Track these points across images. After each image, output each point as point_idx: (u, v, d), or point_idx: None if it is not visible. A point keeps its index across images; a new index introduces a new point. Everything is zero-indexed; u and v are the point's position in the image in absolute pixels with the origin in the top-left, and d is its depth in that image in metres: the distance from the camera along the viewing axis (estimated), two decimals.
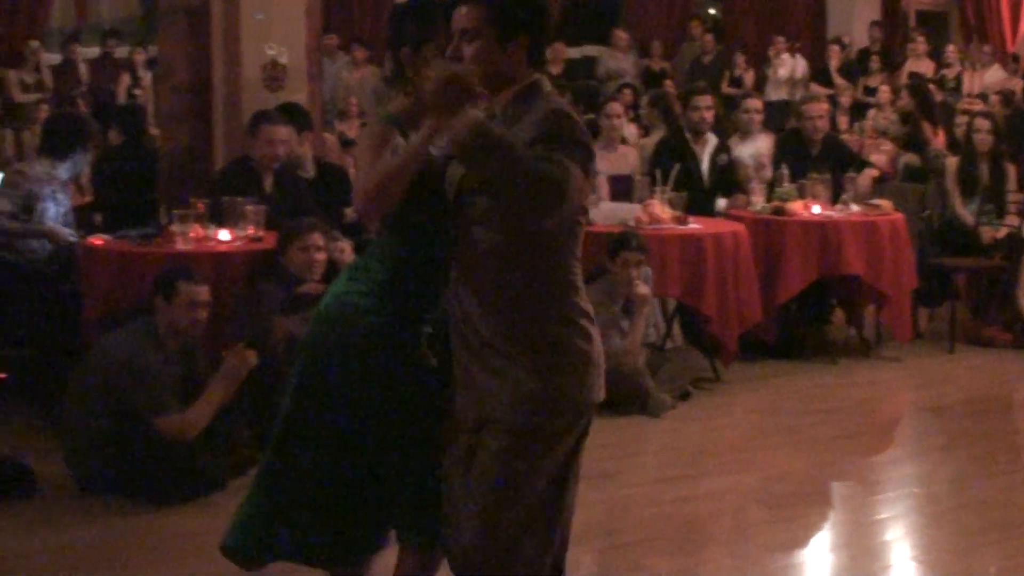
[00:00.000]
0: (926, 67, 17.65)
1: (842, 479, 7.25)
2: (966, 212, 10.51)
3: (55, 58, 16.70)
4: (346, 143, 11.70)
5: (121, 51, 16.58)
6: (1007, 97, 14.98)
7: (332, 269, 7.62)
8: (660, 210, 8.62)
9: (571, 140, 3.77)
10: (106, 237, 7.99)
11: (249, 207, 7.85)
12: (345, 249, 7.85)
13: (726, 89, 17.03)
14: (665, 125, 10.50)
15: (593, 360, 3.98)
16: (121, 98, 15.84)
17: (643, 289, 8.09)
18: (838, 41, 18.86)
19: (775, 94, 17.20)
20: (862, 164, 10.54)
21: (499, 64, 3.96)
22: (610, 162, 10.06)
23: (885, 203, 9.81)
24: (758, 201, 9.57)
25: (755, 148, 10.61)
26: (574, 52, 19.24)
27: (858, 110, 16.06)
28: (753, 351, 9.18)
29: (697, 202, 9.21)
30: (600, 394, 4.03)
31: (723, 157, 9.83)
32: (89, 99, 15.54)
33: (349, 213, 8.52)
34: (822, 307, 9.83)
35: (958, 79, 17.37)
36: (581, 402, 3.97)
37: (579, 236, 4.02)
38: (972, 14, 20.62)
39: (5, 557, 5.82)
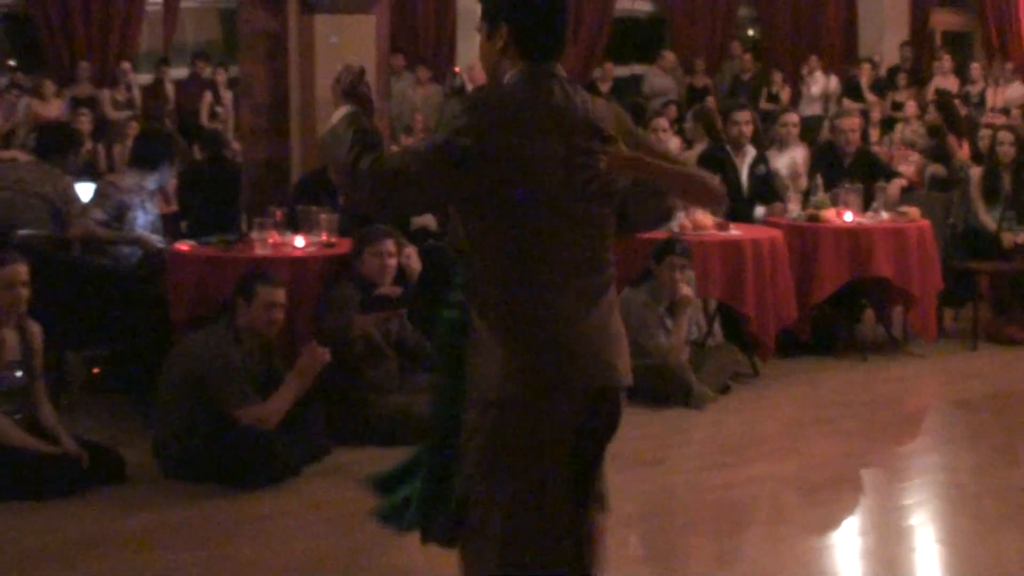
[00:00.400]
0: (951, 84, 17.54)
1: (871, 467, 7.22)
2: (989, 219, 10.44)
3: (146, 78, 16.79)
4: None
5: (206, 71, 16.66)
6: None
7: (400, 273, 7.68)
8: (703, 217, 8.61)
9: None
10: (191, 243, 8.02)
11: (323, 215, 7.89)
12: (412, 255, 7.88)
13: (764, 105, 16.98)
14: (707, 138, 10.47)
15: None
16: (204, 115, 15.94)
17: (686, 291, 8.08)
18: (869, 60, 18.78)
19: (809, 109, 17.12)
20: (891, 174, 10.48)
21: (489, 58, 3.80)
22: None
23: (913, 211, 9.76)
24: (794, 209, 9.54)
25: (791, 159, 10.58)
26: (622, 71, 19.26)
27: (887, 124, 15.99)
28: (789, 348, 9.14)
29: (737, 210, 9.18)
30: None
31: (761, 168, 9.79)
32: (175, 116, 15.68)
33: (415, 221, 8.54)
34: (853, 307, 9.77)
35: (982, 95, 17.26)
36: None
37: None
38: (995, 34, 20.52)
39: (97, 537, 5.86)
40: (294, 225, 7.95)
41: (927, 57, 19.16)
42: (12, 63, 17.47)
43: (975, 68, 18.28)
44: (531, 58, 3.74)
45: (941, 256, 9.73)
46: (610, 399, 3.82)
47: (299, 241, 7.82)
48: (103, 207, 8.31)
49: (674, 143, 12.47)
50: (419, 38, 18.38)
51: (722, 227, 8.70)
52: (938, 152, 12.39)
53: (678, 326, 8.12)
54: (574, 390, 3.73)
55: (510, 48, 3.75)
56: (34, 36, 16.58)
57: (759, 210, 9.66)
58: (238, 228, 8.09)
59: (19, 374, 6.45)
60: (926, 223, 9.63)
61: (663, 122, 10.96)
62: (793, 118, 11.15)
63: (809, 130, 14.44)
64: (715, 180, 3.90)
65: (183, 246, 7.98)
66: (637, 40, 20.36)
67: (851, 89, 17.76)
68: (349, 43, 9.02)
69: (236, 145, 11.51)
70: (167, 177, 9.01)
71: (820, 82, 17.70)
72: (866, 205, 9.61)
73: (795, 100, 17.55)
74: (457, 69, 16.97)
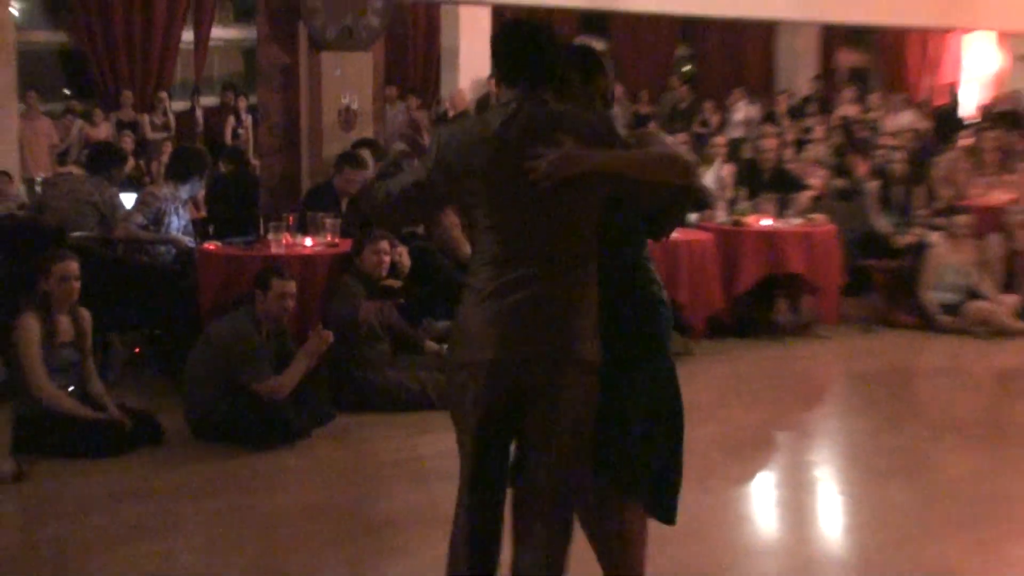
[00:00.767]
0: (853, 111, 17.53)
1: (784, 430, 7.25)
2: (882, 224, 10.50)
3: (180, 105, 16.73)
4: None
5: (230, 99, 16.61)
6: (916, 135, 14.92)
7: (393, 268, 7.69)
8: None
9: None
10: (217, 243, 8.03)
11: (328, 220, 7.87)
12: (403, 253, 7.89)
13: (697, 128, 16.94)
14: None
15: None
16: (228, 135, 15.88)
17: None
18: (785, 91, 18.80)
19: (734, 133, 17.04)
20: (802, 187, 10.52)
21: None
22: None
23: (820, 217, 9.80)
24: (721, 216, 9.57)
25: (719, 175, 10.61)
26: None
27: (799, 145, 15.93)
28: (716, 332, 9.17)
29: None
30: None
31: None
32: (203, 137, 15.63)
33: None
34: (770, 297, 9.81)
35: (878, 121, 17.29)
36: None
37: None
38: (889, 70, 20.61)
39: (137, 489, 5.87)
40: (303, 228, 7.94)
41: (833, 89, 19.17)
42: (67, 92, 17.43)
43: (873, 98, 18.31)
44: (509, 85, 3.70)
45: (843, 255, 9.78)
46: (514, 370, 3.61)
47: (308, 242, 7.82)
48: (143, 213, 8.27)
49: None
50: (409, 72, 18.32)
51: None
52: (841, 168, 12.43)
53: None
54: (477, 361, 3.61)
55: (500, 84, 3.75)
56: (86, 70, 16.53)
57: (692, 216, 9.67)
58: (256, 231, 8.06)
59: (72, 353, 6.45)
60: (831, 227, 9.68)
61: None
62: (721, 140, 11.23)
63: (734, 150, 14.43)
64: (675, 153, 3.67)
65: (210, 246, 7.99)
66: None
67: (769, 116, 17.75)
68: (350, 76, 9.02)
69: (255, 161, 11.47)
70: (197, 188, 8.97)
71: (743, 110, 17.68)
72: (781, 212, 9.65)
73: (723, 125, 17.53)
74: (441, 98, 16.93)
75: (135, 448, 6.35)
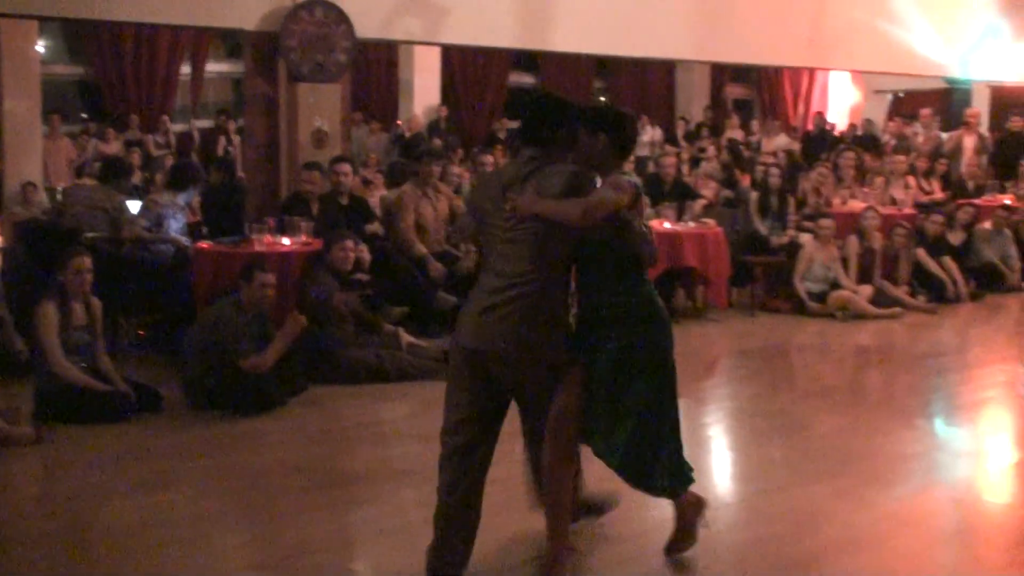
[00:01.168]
0: (739, 134, 17.65)
1: (682, 397, 7.11)
2: (762, 227, 10.55)
3: (179, 127, 16.62)
4: (366, 182, 11.59)
5: (221, 122, 16.46)
6: (789, 154, 15.07)
7: (357, 263, 7.61)
8: None
9: None
10: (209, 243, 7.94)
11: (302, 223, 7.83)
12: (364, 250, 7.82)
13: None
14: None
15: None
16: (219, 152, 15.70)
17: None
18: (682, 117, 18.89)
19: (641, 152, 17.17)
20: (696, 196, 10.55)
21: None
22: None
23: (711, 221, 9.83)
24: None
25: None
26: (512, 124, 19.11)
27: (695, 162, 16.05)
28: None
29: None
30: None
31: None
32: (199, 153, 15.42)
33: (369, 228, 8.45)
34: (670, 287, 9.83)
35: (758, 142, 17.40)
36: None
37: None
38: (768, 101, 20.78)
39: (139, 449, 5.77)
40: (282, 230, 7.88)
41: (722, 116, 19.28)
42: (84, 116, 17.28)
43: (755, 124, 18.45)
44: (525, 144, 3.99)
45: (730, 252, 9.81)
46: (486, 359, 3.92)
47: (285, 241, 7.75)
48: (147, 217, 8.22)
49: None
50: (372, 100, 18.21)
51: None
52: (728, 181, 12.51)
53: None
54: (461, 347, 3.97)
55: (522, 139, 4.03)
56: (100, 97, 16.53)
57: None
58: (242, 232, 7.98)
59: (85, 335, 6.33)
60: (720, 230, 9.71)
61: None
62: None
63: (641, 166, 14.52)
64: (580, 201, 3.80)
65: (204, 245, 7.93)
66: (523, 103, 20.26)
67: (670, 138, 17.84)
68: (322, 103, 8.99)
69: (242, 174, 11.33)
70: (192, 196, 8.90)
71: (648, 133, 17.74)
72: (679, 217, 9.66)
73: None
74: (399, 122, 16.84)
75: (138, 415, 6.24)
